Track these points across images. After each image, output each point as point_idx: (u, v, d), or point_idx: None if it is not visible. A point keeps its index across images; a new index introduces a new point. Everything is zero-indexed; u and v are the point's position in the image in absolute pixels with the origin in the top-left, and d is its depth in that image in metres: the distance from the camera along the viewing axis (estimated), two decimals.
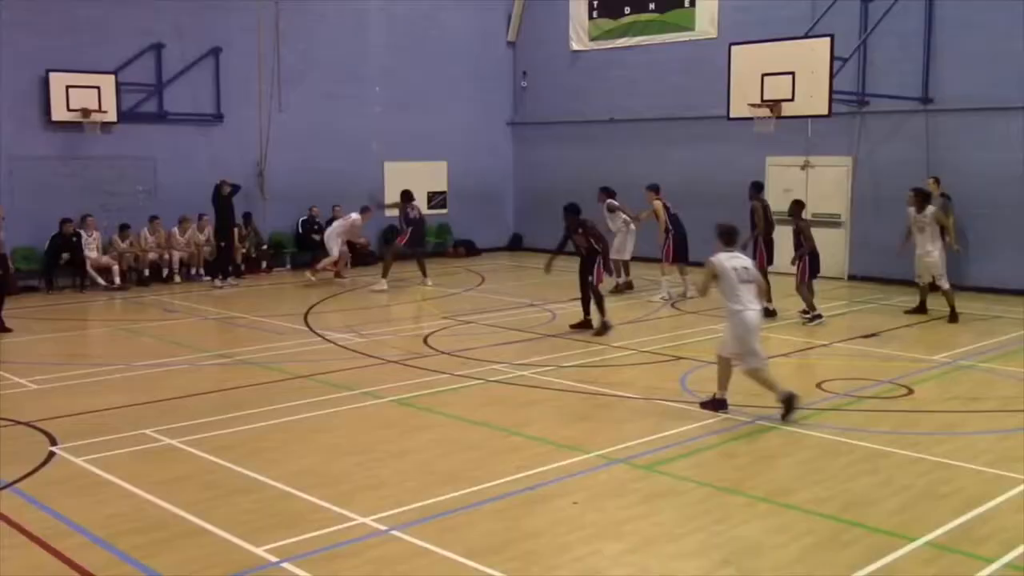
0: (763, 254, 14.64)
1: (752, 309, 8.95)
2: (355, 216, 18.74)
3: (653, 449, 8.13)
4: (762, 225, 14.88)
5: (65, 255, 17.29)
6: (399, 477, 7.44)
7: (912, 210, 14.27)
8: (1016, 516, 6.59)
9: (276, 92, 20.13)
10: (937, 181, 16.74)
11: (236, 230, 18.96)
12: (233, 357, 11.95)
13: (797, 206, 14.22)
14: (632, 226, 17.04)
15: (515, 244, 24.94)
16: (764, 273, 14.03)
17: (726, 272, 8.94)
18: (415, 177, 22.63)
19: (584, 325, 13.36)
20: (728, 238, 9.27)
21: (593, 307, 13.29)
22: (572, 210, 13.54)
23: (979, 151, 16.90)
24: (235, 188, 18.44)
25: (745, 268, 9.05)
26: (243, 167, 19.90)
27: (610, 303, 14.23)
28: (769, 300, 13.88)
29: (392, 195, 19.85)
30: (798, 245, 13.97)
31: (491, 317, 14.20)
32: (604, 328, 13.13)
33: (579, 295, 13.47)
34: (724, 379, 9.22)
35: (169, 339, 13.22)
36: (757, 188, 15.50)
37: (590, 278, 13.23)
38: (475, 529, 6.38)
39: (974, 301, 15.99)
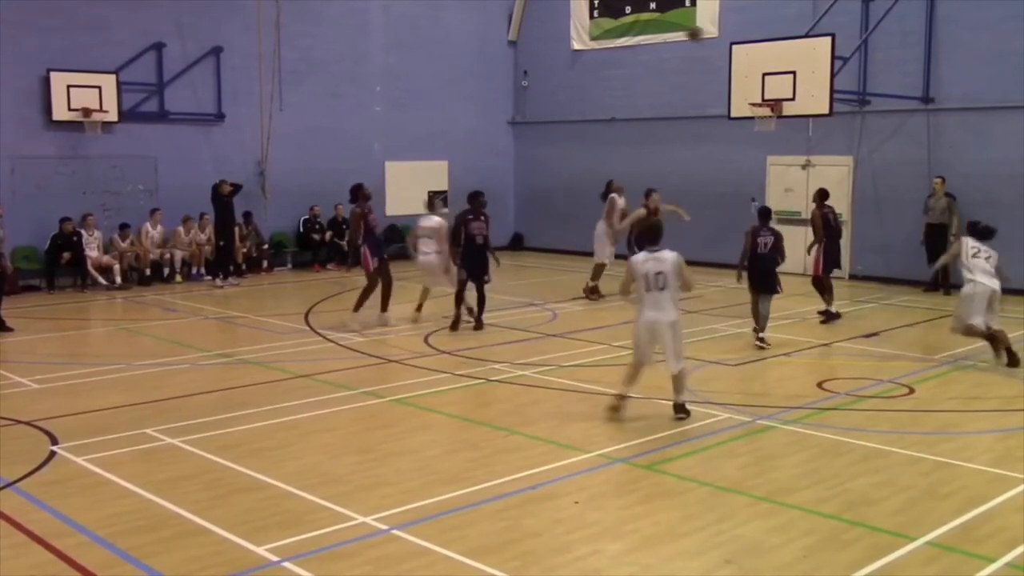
0: (819, 261, 14.14)
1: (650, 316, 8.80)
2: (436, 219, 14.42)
3: (654, 449, 8.13)
4: (819, 234, 14.20)
5: (66, 254, 17.30)
6: (400, 476, 7.44)
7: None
8: (1017, 515, 6.58)
9: (277, 91, 20.13)
10: (943, 181, 16.75)
11: (237, 229, 18.99)
12: (234, 356, 11.95)
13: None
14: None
15: (516, 243, 24.93)
16: (819, 278, 14.16)
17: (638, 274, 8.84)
18: (417, 176, 22.71)
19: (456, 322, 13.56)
20: (653, 236, 9.04)
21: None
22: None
23: (981, 150, 16.90)
24: (236, 188, 18.48)
25: (659, 273, 8.72)
26: (244, 166, 19.92)
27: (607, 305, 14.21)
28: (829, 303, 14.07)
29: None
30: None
31: (492, 316, 14.18)
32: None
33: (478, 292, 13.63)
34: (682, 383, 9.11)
35: (170, 338, 13.23)
36: (823, 196, 14.50)
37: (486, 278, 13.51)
38: (476, 529, 6.38)
39: None
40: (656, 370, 11.18)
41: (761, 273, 12.67)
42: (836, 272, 15.31)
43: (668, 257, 8.75)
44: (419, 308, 14.34)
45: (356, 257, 13.81)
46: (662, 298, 8.73)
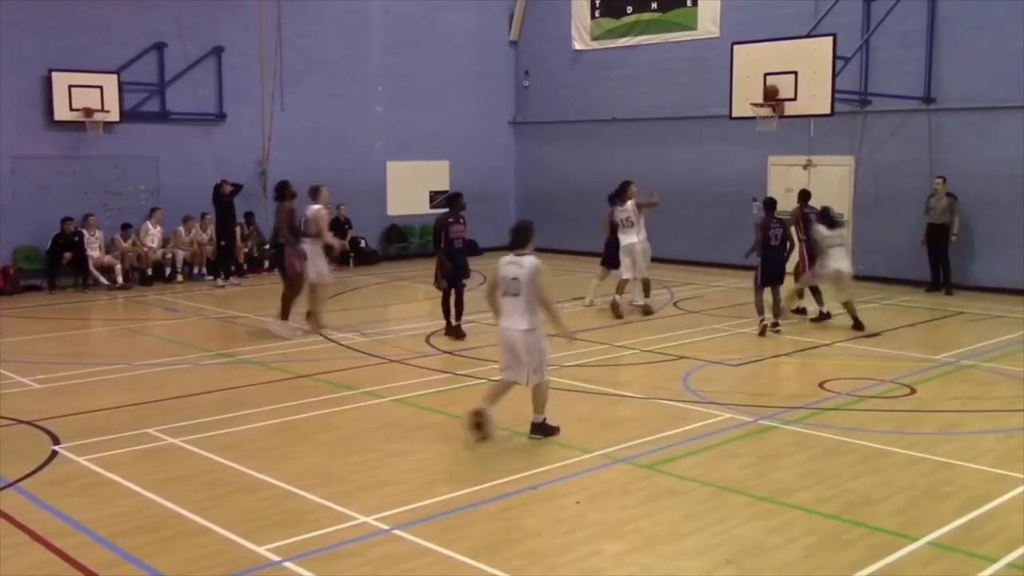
0: (804, 261, 14.01)
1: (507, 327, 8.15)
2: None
3: (655, 449, 8.13)
4: (799, 232, 14.06)
5: (67, 254, 17.31)
6: (400, 476, 7.44)
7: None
8: (1018, 516, 6.58)
9: (278, 91, 20.13)
10: (944, 181, 16.76)
11: (238, 229, 19.01)
12: (235, 356, 11.95)
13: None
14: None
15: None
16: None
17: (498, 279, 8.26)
18: (418, 177, 22.74)
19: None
20: (517, 238, 8.35)
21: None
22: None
23: (982, 150, 16.88)
24: (236, 188, 18.52)
25: (515, 279, 8.09)
26: (245, 167, 19.92)
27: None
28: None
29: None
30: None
31: (493, 316, 14.18)
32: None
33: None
34: (493, 396, 8.32)
35: (171, 338, 13.24)
36: (804, 197, 14.71)
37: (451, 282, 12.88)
38: (476, 528, 6.38)
39: (976, 301, 15.99)
40: (657, 369, 11.22)
41: (773, 264, 13.24)
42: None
43: (527, 263, 8.07)
44: (309, 314, 13.42)
45: (279, 257, 13.05)
46: (514, 305, 8.11)
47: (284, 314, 13.20)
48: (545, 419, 8.40)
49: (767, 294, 13.29)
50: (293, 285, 13.20)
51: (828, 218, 13.61)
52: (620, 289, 14.69)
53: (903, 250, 17.59)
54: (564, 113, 23.65)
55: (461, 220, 12.98)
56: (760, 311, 13.20)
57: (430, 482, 7.29)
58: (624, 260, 14.56)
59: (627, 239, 14.56)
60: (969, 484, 7.26)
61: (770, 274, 13.24)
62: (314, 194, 13.49)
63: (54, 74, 17.60)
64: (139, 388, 10.27)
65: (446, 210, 13.19)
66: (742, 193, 19.61)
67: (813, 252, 14.22)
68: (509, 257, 8.25)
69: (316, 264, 13.23)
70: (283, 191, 13.43)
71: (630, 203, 14.63)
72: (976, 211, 16.90)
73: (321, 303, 13.54)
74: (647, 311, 14.67)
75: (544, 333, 8.22)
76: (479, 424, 8.02)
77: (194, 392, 10.06)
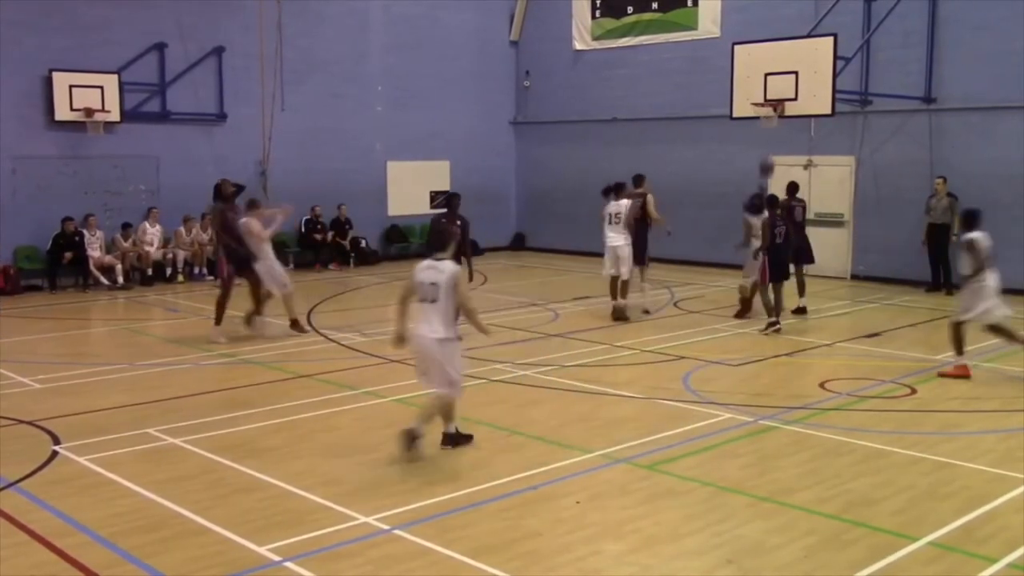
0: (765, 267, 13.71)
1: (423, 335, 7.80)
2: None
3: (655, 449, 8.13)
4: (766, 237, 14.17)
5: (68, 254, 17.32)
6: (401, 476, 7.44)
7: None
8: (1018, 516, 6.58)
9: (279, 91, 20.12)
10: (944, 181, 16.76)
11: None
12: (236, 356, 11.96)
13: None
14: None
15: (518, 243, 24.95)
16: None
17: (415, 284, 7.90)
18: (419, 177, 22.75)
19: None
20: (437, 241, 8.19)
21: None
22: None
23: (982, 150, 16.88)
24: (239, 188, 18.44)
25: (433, 284, 7.78)
26: (246, 167, 19.90)
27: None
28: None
29: None
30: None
31: (493, 317, 14.20)
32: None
33: None
34: (438, 411, 8.04)
35: (172, 338, 13.24)
36: (791, 189, 15.20)
37: None
38: (477, 528, 6.38)
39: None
40: (657, 369, 11.21)
41: (780, 262, 13.29)
42: (834, 272, 15.35)
43: (446, 269, 7.78)
44: (293, 323, 13.29)
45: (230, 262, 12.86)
46: (431, 312, 7.76)
47: (218, 319, 12.95)
48: (456, 428, 8.14)
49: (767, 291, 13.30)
50: (226, 289, 13.04)
51: (754, 206, 13.56)
52: (614, 293, 14.33)
53: (903, 250, 17.60)
54: (564, 113, 23.65)
55: (457, 221, 12.48)
56: (769, 311, 13.17)
57: (430, 482, 7.29)
58: (608, 259, 14.14)
59: (614, 239, 14.07)
60: (969, 484, 7.27)
61: (778, 271, 13.29)
62: (250, 206, 13.26)
63: (55, 74, 17.60)
64: (139, 388, 10.28)
65: (445, 210, 13.09)
66: (742, 193, 19.43)
67: (799, 249, 14.50)
68: (427, 262, 7.93)
69: (273, 274, 13.04)
70: (216, 192, 13.21)
71: (624, 201, 14.20)
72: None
73: (294, 307, 13.49)
74: (620, 315, 14.24)
75: (460, 344, 7.99)
76: (412, 441, 7.76)
77: (194, 392, 10.07)
